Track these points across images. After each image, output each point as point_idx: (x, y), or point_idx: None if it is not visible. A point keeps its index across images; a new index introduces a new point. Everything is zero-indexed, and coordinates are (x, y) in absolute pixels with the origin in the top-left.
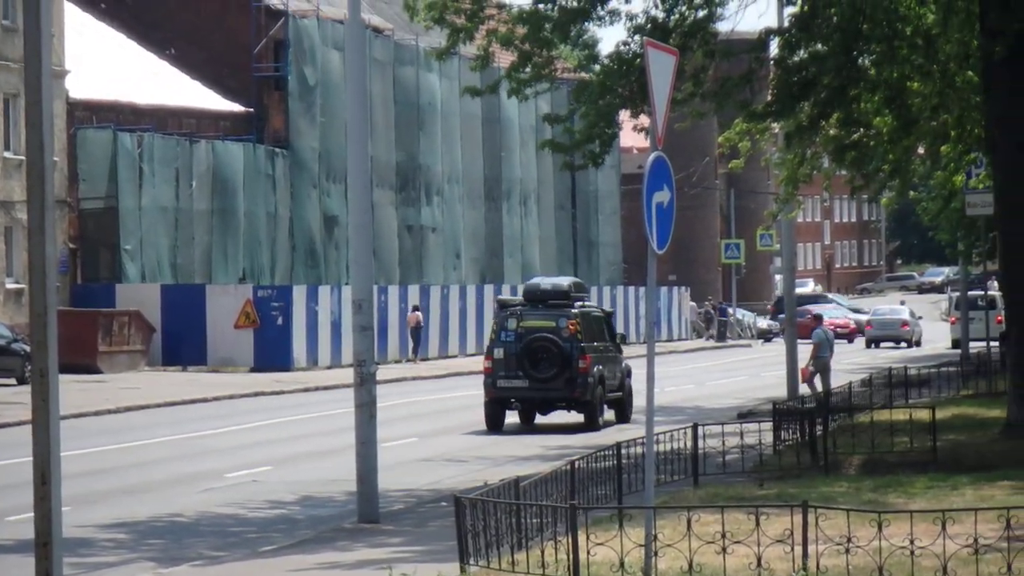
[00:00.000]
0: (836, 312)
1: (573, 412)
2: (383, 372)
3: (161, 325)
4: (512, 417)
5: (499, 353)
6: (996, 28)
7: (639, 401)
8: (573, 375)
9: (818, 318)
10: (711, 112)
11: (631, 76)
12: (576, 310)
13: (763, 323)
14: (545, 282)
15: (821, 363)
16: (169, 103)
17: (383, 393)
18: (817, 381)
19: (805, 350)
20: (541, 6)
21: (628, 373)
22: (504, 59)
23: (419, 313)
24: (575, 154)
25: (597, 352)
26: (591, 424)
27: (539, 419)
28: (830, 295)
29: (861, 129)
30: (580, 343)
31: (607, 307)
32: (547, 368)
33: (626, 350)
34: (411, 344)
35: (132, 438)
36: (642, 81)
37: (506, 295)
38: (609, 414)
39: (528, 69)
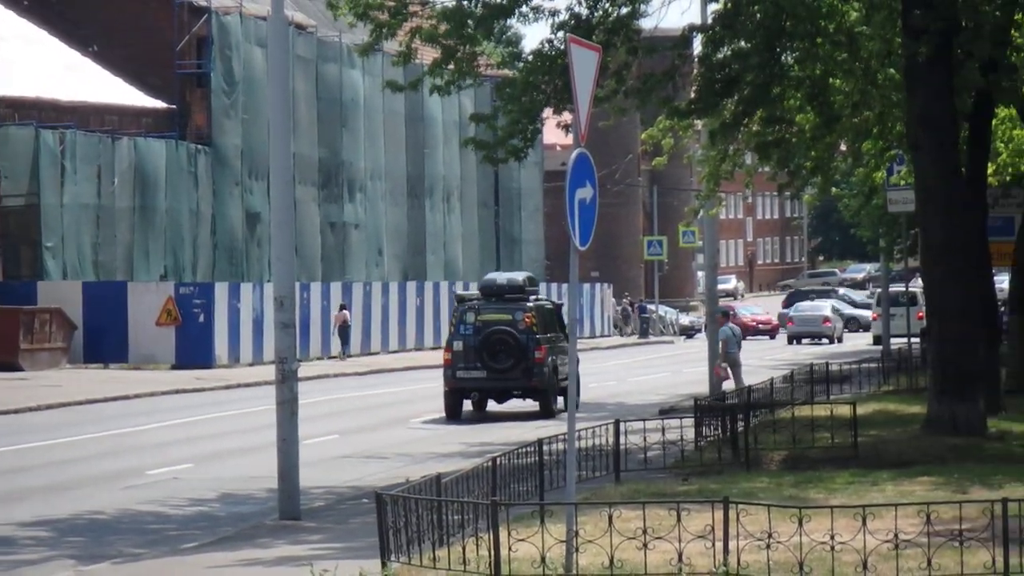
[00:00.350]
0: (757, 308)
1: (528, 400)
2: (305, 369)
3: (83, 322)
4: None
5: (458, 346)
6: (918, 26)
7: (583, 392)
8: (530, 365)
9: (725, 315)
10: (634, 109)
11: (554, 73)
12: (531, 303)
13: (685, 319)
14: (501, 277)
15: (731, 359)
16: (92, 100)
17: (305, 390)
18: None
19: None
20: (465, 3)
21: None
22: (428, 55)
23: (346, 312)
24: (497, 150)
25: (551, 343)
26: (546, 412)
27: (493, 408)
28: (841, 290)
29: (784, 126)
30: (535, 335)
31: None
32: (505, 359)
33: None
34: (338, 343)
35: (53, 436)
36: (565, 78)
37: (429, 293)
38: (559, 402)
39: (451, 66)
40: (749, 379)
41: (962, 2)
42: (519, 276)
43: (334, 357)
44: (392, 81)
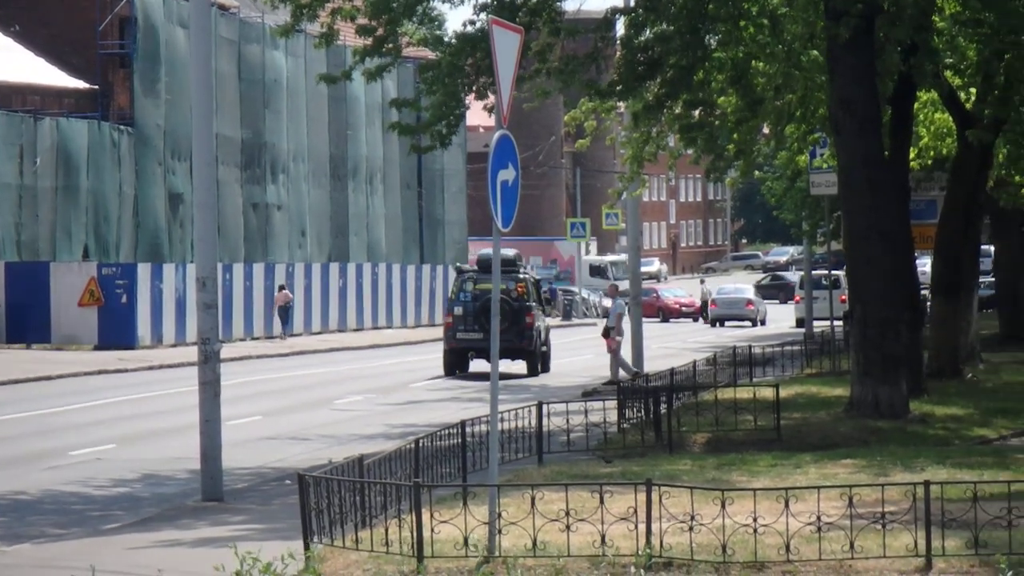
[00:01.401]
0: (680, 291)
1: (517, 361)
2: (227, 350)
3: (5, 302)
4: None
5: (459, 310)
6: (839, 9)
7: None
8: (522, 328)
9: (615, 288)
10: (556, 90)
11: (477, 55)
12: (522, 275)
13: (608, 302)
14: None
15: (623, 332)
16: (13, 80)
17: (228, 371)
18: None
19: (647, 328)
20: None
21: (548, 330)
22: (349, 35)
23: (287, 292)
24: (422, 136)
25: (538, 311)
26: (532, 371)
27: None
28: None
29: (707, 109)
30: (527, 302)
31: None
32: (501, 322)
33: None
34: (278, 322)
35: None
36: (488, 60)
37: (352, 274)
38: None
39: (380, 57)
40: (672, 362)
41: None
42: (511, 252)
43: (273, 337)
44: (325, 75)
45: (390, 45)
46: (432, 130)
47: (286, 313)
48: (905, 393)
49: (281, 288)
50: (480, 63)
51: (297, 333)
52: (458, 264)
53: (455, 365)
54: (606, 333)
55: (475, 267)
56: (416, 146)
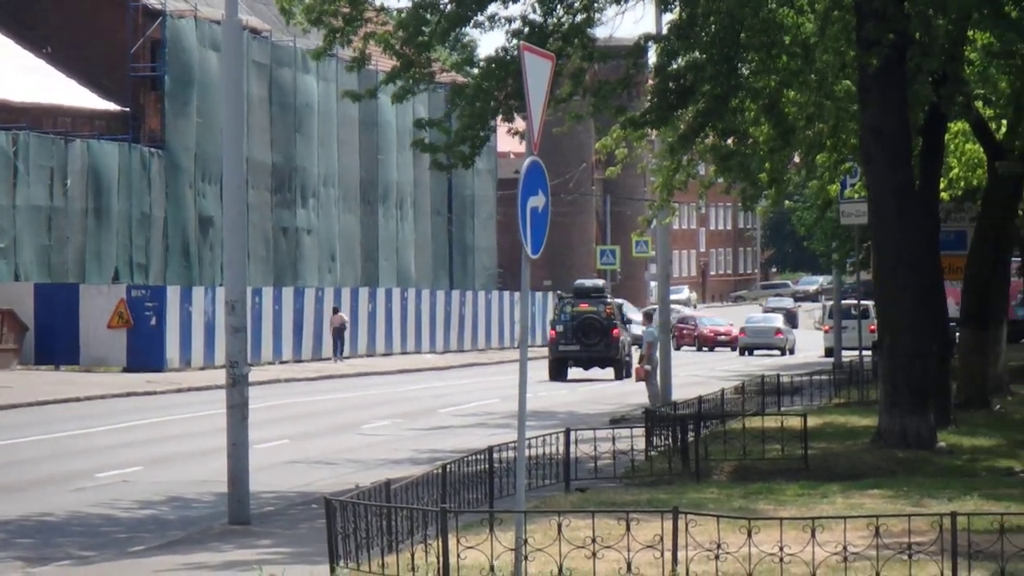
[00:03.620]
0: (719, 319)
1: (607, 369)
2: (256, 374)
3: (34, 324)
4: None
5: (560, 328)
6: (871, 39)
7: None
8: (610, 342)
9: (648, 316)
10: (587, 115)
11: (508, 80)
12: (609, 300)
13: (637, 329)
14: (587, 282)
15: (653, 361)
16: (44, 101)
17: (256, 395)
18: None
19: (681, 356)
20: (421, 11)
21: (630, 344)
22: (382, 60)
23: (342, 314)
24: (447, 154)
25: (622, 328)
26: (619, 375)
27: (574, 376)
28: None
29: (740, 138)
30: (613, 321)
31: (483, 310)
32: (594, 337)
33: (500, 356)
34: (333, 344)
35: (3, 437)
36: (518, 84)
37: (381, 299)
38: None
39: (409, 77)
40: (700, 390)
41: (915, 15)
42: (600, 282)
43: (327, 359)
44: (350, 91)
45: (420, 70)
46: (456, 150)
47: (340, 335)
48: (933, 424)
49: (336, 311)
50: (510, 87)
51: (326, 357)
52: (559, 292)
53: (557, 371)
54: (639, 361)
55: (572, 294)
56: (438, 162)
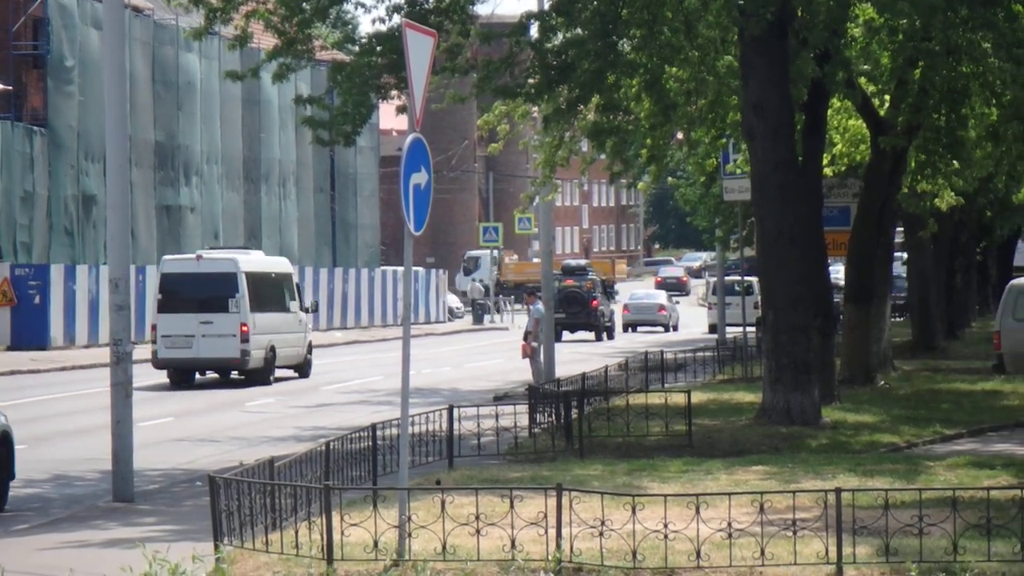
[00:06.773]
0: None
1: (590, 332)
2: (140, 352)
3: None
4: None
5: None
6: (751, 12)
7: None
8: (590, 310)
9: (532, 294)
10: (472, 96)
11: (389, 56)
12: (590, 276)
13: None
14: (572, 263)
15: (541, 339)
16: None
17: (140, 373)
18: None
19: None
20: None
21: (613, 313)
22: (263, 38)
23: None
24: (330, 131)
25: (601, 298)
26: (598, 338)
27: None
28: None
29: (620, 114)
30: (593, 293)
31: (366, 288)
32: (576, 307)
33: (383, 333)
34: None
35: None
36: (397, 58)
37: None
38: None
39: (291, 55)
40: (584, 367)
41: None
42: (583, 262)
43: None
44: (231, 71)
45: (301, 47)
46: (339, 128)
47: None
48: (817, 400)
49: None
50: (391, 61)
51: None
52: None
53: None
54: (525, 338)
55: (560, 271)
56: (319, 139)
